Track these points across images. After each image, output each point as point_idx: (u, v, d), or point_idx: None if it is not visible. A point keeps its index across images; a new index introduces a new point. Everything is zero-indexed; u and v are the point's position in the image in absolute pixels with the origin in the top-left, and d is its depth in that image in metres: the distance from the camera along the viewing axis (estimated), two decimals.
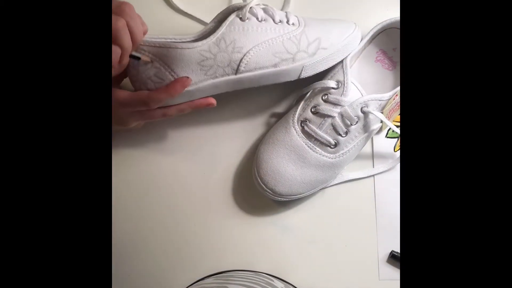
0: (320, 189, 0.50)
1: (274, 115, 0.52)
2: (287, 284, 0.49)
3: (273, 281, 0.47)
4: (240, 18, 0.44)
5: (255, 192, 0.50)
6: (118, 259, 0.50)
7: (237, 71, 0.44)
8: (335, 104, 0.46)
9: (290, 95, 0.53)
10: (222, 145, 0.52)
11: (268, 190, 0.47)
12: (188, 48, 0.42)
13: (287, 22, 0.46)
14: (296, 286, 0.49)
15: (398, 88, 0.47)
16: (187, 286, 0.49)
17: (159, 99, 0.42)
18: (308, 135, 0.47)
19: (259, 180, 0.47)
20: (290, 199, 0.48)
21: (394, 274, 0.50)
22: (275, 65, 0.44)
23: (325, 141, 0.46)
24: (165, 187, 0.51)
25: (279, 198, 0.48)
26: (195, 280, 0.50)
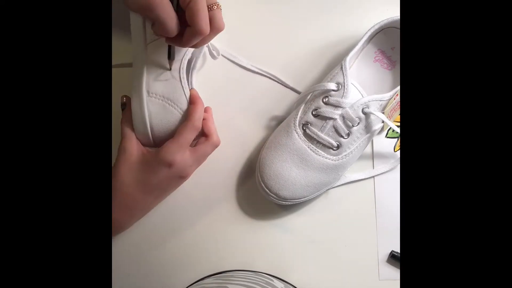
0: (324, 191, 0.50)
1: (274, 118, 0.52)
2: (287, 284, 0.49)
3: (273, 281, 0.47)
4: None
5: (255, 194, 0.50)
6: (118, 259, 0.50)
7: None
8: (336, 106, 0.46)
9: (290, 98, 0.52)
10: (223, 148, 0.52)
11: (272, 194, 0.47)
12: None
13: None
14: (296, 286, 0.49)
15: (399, 88, 0.47)
16: (187, 286, 0.49)
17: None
18: (310, 138, 0.47)
19: (263, 184, 0.47)
20: (294, 202, 0.48)
21: (394, 274, 0.50)
22: None
23: (327, 144, 0.46)
24: None
25: (283, 202, 0.48)
26: (195, 280, 0.50)
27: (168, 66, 0.44)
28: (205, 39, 0.40)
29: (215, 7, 0.39)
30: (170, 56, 0.44)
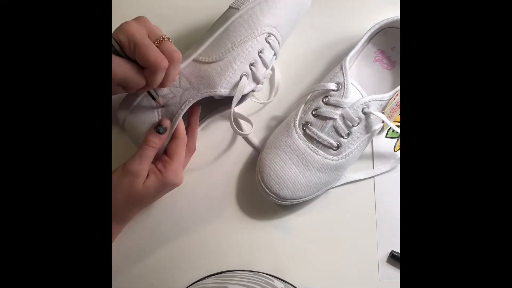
0: (324, 191, 0.50)
1: (274, 118, 0.52)
2: (287, 284, 0.49)
3: (273, 281, 0.47)
4: None
5: (255, 193, 0.50)
6: (118, 259, 0.50)
7: None
8: (336, 106, 0.46)
9: (290, 98, 0.52)
10: (223, 148, 0.52)
11: (272, 194, 0.47)
12: None
13: None
14: (296, 286, 0.49)
15: (399, 88, 0.47)
16: (187, 286, 0.49)
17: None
18: (310, 138, 0.47)
19: (263, 184, 0.47)
20: (294, 202, 0.48)
21: (394, 274, 0.50)
22: None
23: (327, 144, 0.46)
24: None
25: (283, 202, 0.48)
26: (195, 280, 0.50)
27: (159, 104, 0.44)
28: (170, 74, 0.39)
29: (163, 39, 0.39)
30: (153, 96, 0.43)
